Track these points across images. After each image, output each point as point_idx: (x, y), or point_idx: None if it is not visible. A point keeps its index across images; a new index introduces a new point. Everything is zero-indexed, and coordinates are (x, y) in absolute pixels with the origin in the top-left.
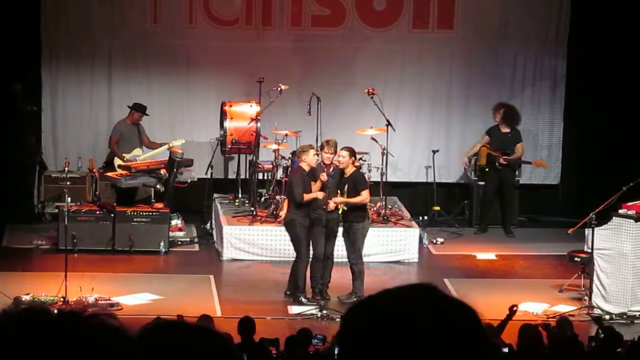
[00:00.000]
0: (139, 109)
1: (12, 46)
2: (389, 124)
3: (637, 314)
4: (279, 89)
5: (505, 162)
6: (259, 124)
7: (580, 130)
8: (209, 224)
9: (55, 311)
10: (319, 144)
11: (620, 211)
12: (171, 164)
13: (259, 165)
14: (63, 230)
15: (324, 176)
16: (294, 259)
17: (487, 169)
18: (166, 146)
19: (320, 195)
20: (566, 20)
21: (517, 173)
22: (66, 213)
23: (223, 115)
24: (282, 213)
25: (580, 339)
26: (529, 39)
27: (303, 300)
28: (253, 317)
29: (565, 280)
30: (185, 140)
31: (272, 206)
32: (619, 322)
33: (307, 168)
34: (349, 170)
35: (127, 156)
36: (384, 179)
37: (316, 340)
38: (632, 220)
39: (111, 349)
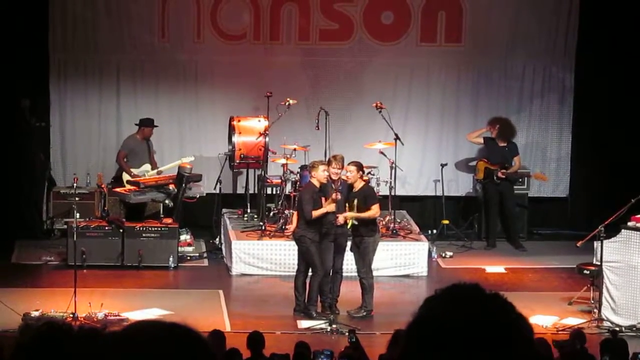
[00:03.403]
0: (147, 124)
1: (21, 62)
2: (397, 137)
3: None
4: (287, 103)
5: (503, 176)
6: (267, 139)
7: (589, 143)
8: (218, 239)
9: (76, 327)
10: (327, 159)
11: (629, 223)
12: (180, 179)
13: (268, 180)
14: (72, 246)
15: (338, 195)
16: (295, 273)
17: (485, 183)
18: (177, 163)
19: (331, 208)
20: (574, 33)
21: (526, 186)
22: (75, 229)
23: (231, 130)
24: (291, 226)
25: (590, 351)
26: (537, 52)
27: (313, 313)
28: (262, 332)
29: (574, 292)
30: (194, 156)
31: (281, 221)
32: (629, 334)
33: (317, 184)
34: (358, 185)
35: (135, 171)
36: (392, 193)
37: (323, 357)
38: None
39: None
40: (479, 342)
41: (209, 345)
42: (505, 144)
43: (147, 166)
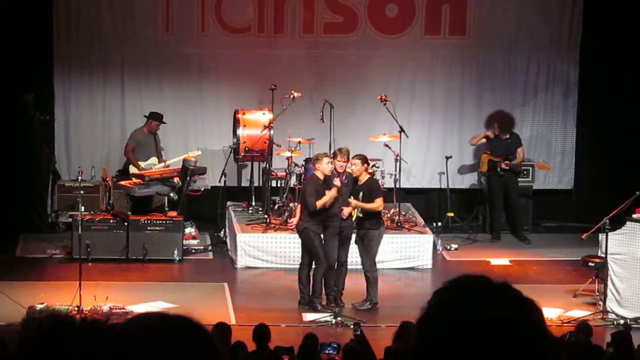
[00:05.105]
0: (156, 118)
1: (25, 56)
2: (402, 130)
3: None
4: (291, 96)
5: (507, 168)
6: (272, 132)
7: (593, 136)
8: (222, 232)
9: (78, 319)
10: (332, 151)
11: (634, 216)
12: (184, 173)
13: (273, 173)
14: (77, 239)
15: (337, 181)
16: (299, 266)
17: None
18: (184, 156)
19: (333, 193)
20: (578, 26)
21: (530, 178)
22: (80, 222)
23: (236, 123)
24: (294, 219)
25: (595, 343)
26: (541, 45)
27: (318, 306)
28: (268, 325)
29: (579, 285)
30: (200, 151)
31: (286, 213)
32: (634, 326)
33: (321, 176)
34: (363, 178)
35: (142, 164)
36: (397, 186)
37: (330, 349)
38: None
39: (133, 356)
40: (488, 336)
41: (213, 338)
42: (508, 136)
43: (154, 159)
